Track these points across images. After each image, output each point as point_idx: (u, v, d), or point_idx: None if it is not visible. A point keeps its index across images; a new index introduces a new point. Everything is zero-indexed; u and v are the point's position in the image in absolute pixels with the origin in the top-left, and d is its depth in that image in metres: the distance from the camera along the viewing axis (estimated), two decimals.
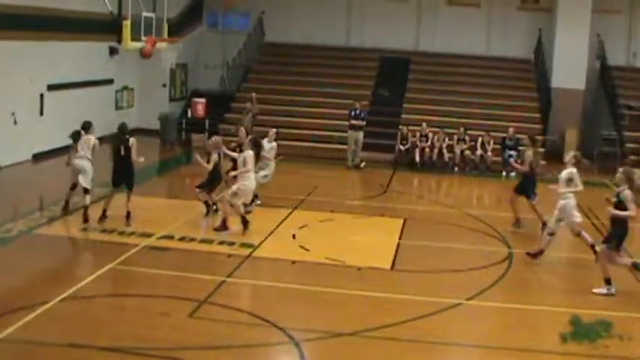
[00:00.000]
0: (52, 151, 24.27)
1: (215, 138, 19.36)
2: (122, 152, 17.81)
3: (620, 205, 14.80)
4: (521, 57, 34.95)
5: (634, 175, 16.01)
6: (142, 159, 18.05)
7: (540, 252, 16.82)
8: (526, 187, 19.92)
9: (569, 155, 17.82)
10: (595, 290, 14.80)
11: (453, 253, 17.37)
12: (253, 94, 28.11)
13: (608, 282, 14.84)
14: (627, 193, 14.79)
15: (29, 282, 14.50)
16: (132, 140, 17.89)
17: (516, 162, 23.64)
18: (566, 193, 16.96)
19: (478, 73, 34.22)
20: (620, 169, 16.09)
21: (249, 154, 17.74)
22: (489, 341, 12.46)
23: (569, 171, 17.10)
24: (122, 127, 18.22)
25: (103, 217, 17.94)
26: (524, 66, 34.85)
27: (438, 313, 13.44)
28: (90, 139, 18.14)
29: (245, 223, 17.77)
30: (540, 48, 34.19)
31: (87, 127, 18.37)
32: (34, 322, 12.04)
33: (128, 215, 18.05)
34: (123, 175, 18.04)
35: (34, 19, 24.76)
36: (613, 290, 14.73)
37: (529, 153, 20.02)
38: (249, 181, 17.86)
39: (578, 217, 17.19)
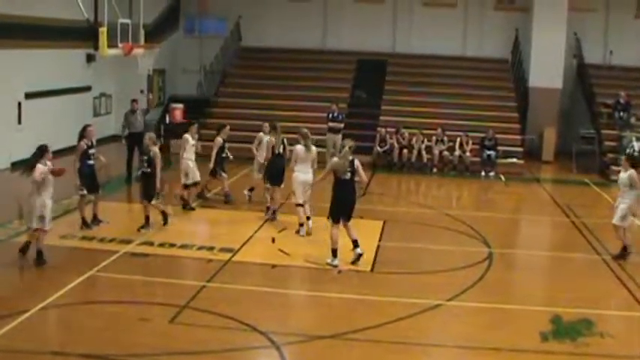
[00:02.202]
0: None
1: (150, 134, 19.36)
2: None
3: None
4: (498, 57, 35.16)
5: None
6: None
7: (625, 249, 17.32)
8: None
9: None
10: None
11: (432, 254, 17.41)
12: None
13: None
14: None
15: (9, 290, 14.47)
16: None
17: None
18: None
19: (455, 73, 34.33)
20: None
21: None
22: (470, 341, 12.47)
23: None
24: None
25: (90, 223, 18.44)
26: (502, 66, 35.03)
27: (418, 314, 13.47)
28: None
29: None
30: (517, 47, 34.43)
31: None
32: (15, 331, 11.98)
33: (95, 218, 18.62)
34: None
35: (11, 27, 24.66)
36: None
37: None
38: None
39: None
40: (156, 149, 18.54)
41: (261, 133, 21.19)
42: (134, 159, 23.98)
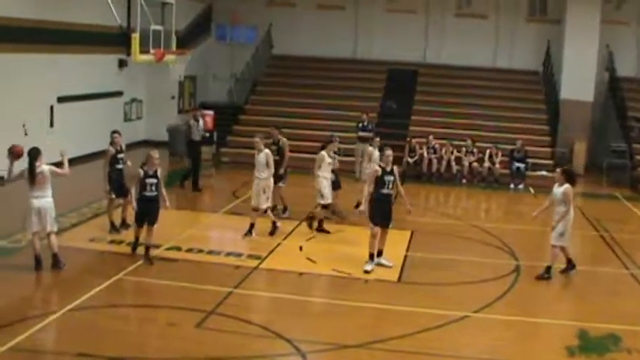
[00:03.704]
0: (62, 163, 24.38)
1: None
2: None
3: None
4: (529, 69, 34.96)
5: None
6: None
7: None
8: None
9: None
10: None
11: (460, 266, 17.33)
12: None
13: None
14: None
15: (38, 292, 14.65)
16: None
17: None
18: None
19: (486, 85, 34.22)
20: None
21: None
22: (496, 354, 12.41)
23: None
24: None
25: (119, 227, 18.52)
26: (533, 78, 34.85)
27: (444, 325, 13.43)
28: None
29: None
30: (549, 60, 34.16)
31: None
32: (43, 332, 12.13)
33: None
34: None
35: (45, 33, 24.92)
36: None
37: None
38: None
39: None
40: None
41: (323, 152, 19.88)
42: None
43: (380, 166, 16.56)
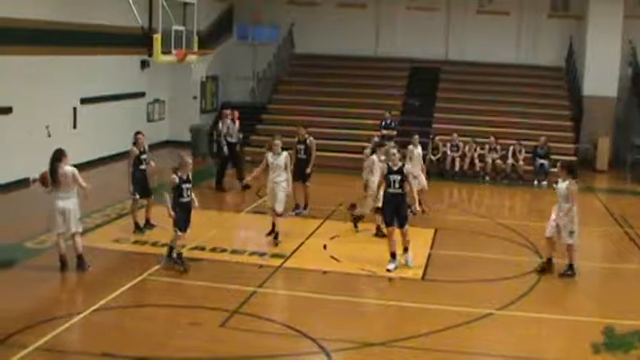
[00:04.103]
0: (85, 164, 24.49)
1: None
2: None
3: None
4: (552, 65, 34.74)
5: None
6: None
7: None
8: None
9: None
10: None
11: (484, 263, 17.28)
12: None
13: None
14: None
15: (63, 293, 14.72)
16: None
17: None
18: None
19: (509, 81, 34.09)
20: None
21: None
22: (521, 351, 12.37)
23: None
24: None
25: (143, 227, 18.62)
26: (556, 74, 34.63)
27: (469, 323, 13.39)
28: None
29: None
30: (572, 55, 33.99)
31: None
32: (68, 332, 12.20)
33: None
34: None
35: (67, 34, 25.06)
36: None
37: None
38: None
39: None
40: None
41: (373, 156, 19.19)
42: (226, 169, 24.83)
43: (388, 165, 16.52)
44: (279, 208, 18.18)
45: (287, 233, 18.37)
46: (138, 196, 18.44)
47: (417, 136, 22.31)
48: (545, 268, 16.35)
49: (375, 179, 18.35)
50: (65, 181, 15.16)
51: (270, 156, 18.36)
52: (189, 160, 16.15)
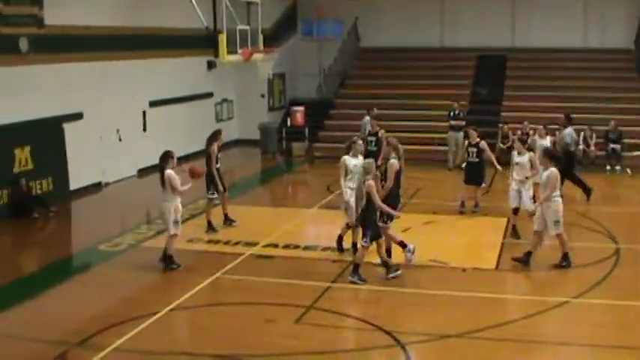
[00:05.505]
0: (156, 166, 24.83)
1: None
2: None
3: None
4: (621, 47, 34.18)
5: None
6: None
7: None
8: None
9: None
10: None
11: (557, 251, 17.08)
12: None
13: None
14: None
15: (140, 293, 14.95)
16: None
17: None
18: None
19: (577, 66, 33.65)
20: None
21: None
22: (599, 340, 12.23)
23: None
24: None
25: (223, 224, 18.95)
26: (625, 56, 34.05)
27: (544, 312, 13.31)
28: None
29: None
30: None
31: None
32: (146, 332, 12.41)
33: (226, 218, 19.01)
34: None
35: (133, 39, 25.41)
36: None
37: None
38: None
39: None
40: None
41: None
42: None
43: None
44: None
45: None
46: (215, 195, 18.59)
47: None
48: (561, 264, 15.82)
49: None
50: (166, 184, 15.68)
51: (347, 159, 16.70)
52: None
